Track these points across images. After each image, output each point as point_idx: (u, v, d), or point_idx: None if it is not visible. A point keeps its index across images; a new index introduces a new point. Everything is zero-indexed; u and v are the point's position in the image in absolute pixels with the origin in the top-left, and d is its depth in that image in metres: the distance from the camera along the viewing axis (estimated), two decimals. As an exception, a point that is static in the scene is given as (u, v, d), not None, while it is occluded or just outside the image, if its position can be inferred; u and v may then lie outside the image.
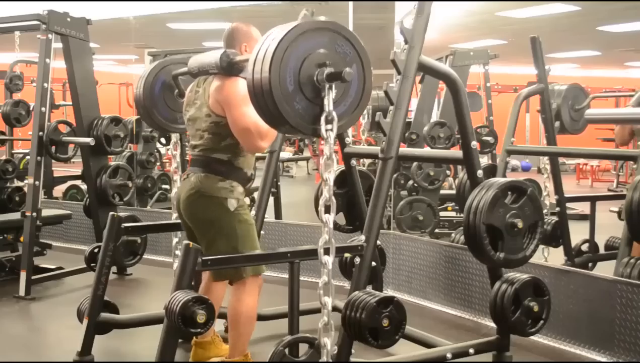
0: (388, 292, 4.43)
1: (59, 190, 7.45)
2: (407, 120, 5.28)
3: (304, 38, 2.16)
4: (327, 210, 2.27)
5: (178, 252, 3.77)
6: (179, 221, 3.19)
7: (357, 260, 2.75)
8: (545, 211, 4.45)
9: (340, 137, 3.77)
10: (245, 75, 2.62)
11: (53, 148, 4.92)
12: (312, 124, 2.21)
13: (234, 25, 3.03)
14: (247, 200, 3.07)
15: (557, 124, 4.75)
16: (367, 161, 5.61)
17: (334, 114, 2.18)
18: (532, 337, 3.24)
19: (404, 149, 3.58)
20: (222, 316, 3.37)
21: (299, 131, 2.22)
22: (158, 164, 7.30)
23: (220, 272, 3.03)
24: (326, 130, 2.19)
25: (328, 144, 2.20)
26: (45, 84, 4.70)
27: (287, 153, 11.01)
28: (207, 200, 2.90)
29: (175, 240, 4.05)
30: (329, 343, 2.30)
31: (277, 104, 2.12)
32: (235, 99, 2.79)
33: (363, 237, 2.77)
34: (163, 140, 7.46)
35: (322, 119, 2.19)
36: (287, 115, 2.15)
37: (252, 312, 2.97)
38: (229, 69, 2.79)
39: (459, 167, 5.89)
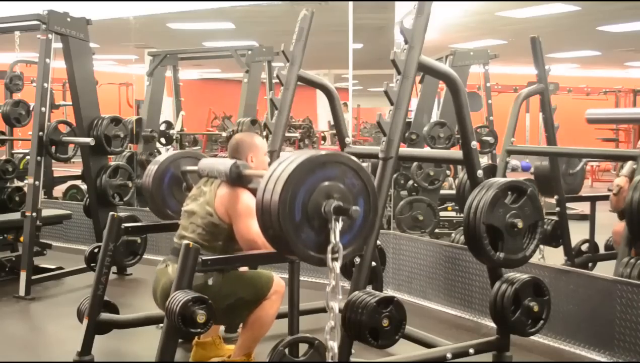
0: (388, 292, 4.43)
1: (59, 190, 7.45)
2: (407, 120, 5.29)
3: (316, 170, 2.19)
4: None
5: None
6: (179, 221, 3.19)
7: (357, 260, 2.75)
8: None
9: (341, 137, 3.77)
10: (253, 186, 2.79)
11: (53, 148, 4.91)
12: (318, 253, 2.21)
13: (238, 137, 3.15)
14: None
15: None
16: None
17: (340, 245, 2.19)
18: (532, 337, 3.23)
19: (404, 149, 3.57)
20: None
21: (305, 262, 2.25)
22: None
23: (239, 320, 3.10)
24: (332, 259, 2.20)
25: (334, 273, 2.21)
26: (45, 84, 4.70)
27: (287, 153, 10.98)
28: None
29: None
30: None
31: (284, 234, 2.14)
32: (242, 211, 2.86)
33: (363, 237, 2.77)
34: (163, 140, 7.48)
35: (329, 249, 2.19)
36: (293, 246, 2.17)
37: (269, 317, 2.99)
38: (238, 180, 2.89)
39: (459, 167, 5.89)
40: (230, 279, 2.91)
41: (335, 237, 2.18)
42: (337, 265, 2.20)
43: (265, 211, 2.18)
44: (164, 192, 3.42)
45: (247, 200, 2.86)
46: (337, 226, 2.18)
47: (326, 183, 2.20)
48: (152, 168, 3.42)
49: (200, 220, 2.94)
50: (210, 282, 2.85)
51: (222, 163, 2.96)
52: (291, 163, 2.18)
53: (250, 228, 2.80)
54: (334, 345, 2.21)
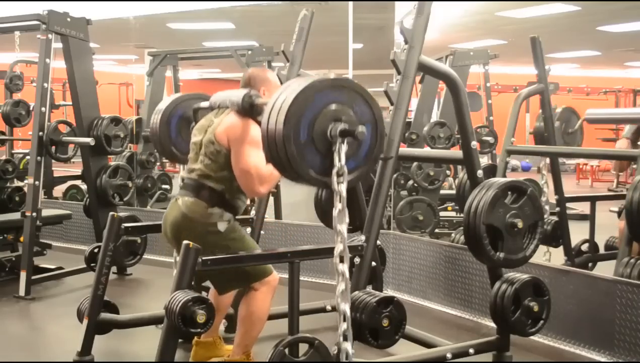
0: (388, 292, 4.43)
1: (59, 190, 7.45)
2: (407, 120, 5.29)
3: (322, 93, 2.17)
4: (342, 260, 2.26)
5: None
6: None
7: (357, 260, 2.76)
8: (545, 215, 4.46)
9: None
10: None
11: (53, 148, 4.92)
12: (324, 176, 2.21)
13: (250, 71, 3.11)
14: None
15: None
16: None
17: (345, 168, 2.19)
18: (532, 337, 3.24)
19: (404, 149, 3.58)
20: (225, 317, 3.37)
21: (310, 183, 2.24)
22: (158, 163, 7.30)
23: (224, 286, 3.07)
24: (337, 183, 2.19)
25: (339, 196, 2.20)
26: (45, 84, 4.70)
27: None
28: (195, 225, 2.86)
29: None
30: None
31: (289, 157, 2.13)
32: (244, 139, 2.81)
33: (363, 237, 2.78)
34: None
35: (334, 172, 2.19)
36: (298, 169, 2.16)
37: (262, 312, 2.98)
38: (249, 110, 2.83)
39: (459, 167, 5.89)
40: (238, 239, 2.91)
41: (340, 160, 2.17)
42: (343, 188, 2.19)
43: (270, 135, 2.16)
44: (171, 134, 3.34)
45: (254, 132, 2.77)
46: (343, 148, 2.17)
47: (333, 106, 2.18)
48: (156, 116, 3.34)
49: (204, 149, 2.91)
50: (221, 227, 2.85)
51: (236, 93, 2.90)
52: (300, 84, 2.16)
53: (248, 157, 2.77)
54: (343, 273, 2.21)
